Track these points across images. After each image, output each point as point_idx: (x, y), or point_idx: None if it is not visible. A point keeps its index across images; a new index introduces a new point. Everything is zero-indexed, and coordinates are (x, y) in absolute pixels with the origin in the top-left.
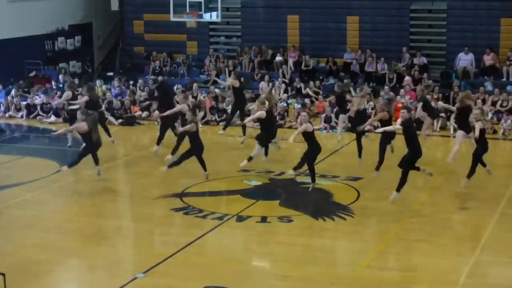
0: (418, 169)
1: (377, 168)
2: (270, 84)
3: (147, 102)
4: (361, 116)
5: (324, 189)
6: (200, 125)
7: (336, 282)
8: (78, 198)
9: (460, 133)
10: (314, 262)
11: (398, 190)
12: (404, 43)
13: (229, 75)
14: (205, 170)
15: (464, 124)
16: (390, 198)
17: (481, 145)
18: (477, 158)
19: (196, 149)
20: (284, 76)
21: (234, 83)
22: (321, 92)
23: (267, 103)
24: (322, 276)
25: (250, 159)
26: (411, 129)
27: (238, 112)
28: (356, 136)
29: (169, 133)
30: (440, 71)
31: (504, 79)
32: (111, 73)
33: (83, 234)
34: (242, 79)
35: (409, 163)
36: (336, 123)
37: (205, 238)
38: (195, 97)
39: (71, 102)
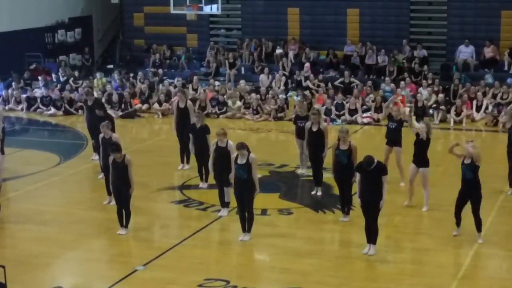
0: None
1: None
2: (270, 76)
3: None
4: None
5: (324, 181)
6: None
7: (335, 275)
8: (78, 191)
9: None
10: (313, 254)
11: None
12: (404, 35)
13: (230, 68)
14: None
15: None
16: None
17: None
18: None
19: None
20: (284, 69)
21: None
22: (321, 85)
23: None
24: (321, 268)
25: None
26: None
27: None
28: None
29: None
30: (440, 63)
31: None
32: (111, 66)
33: (83, 227)
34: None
35: None
36: (337, 116)
37: (205, 231)
38: (195, 90)
39: None
